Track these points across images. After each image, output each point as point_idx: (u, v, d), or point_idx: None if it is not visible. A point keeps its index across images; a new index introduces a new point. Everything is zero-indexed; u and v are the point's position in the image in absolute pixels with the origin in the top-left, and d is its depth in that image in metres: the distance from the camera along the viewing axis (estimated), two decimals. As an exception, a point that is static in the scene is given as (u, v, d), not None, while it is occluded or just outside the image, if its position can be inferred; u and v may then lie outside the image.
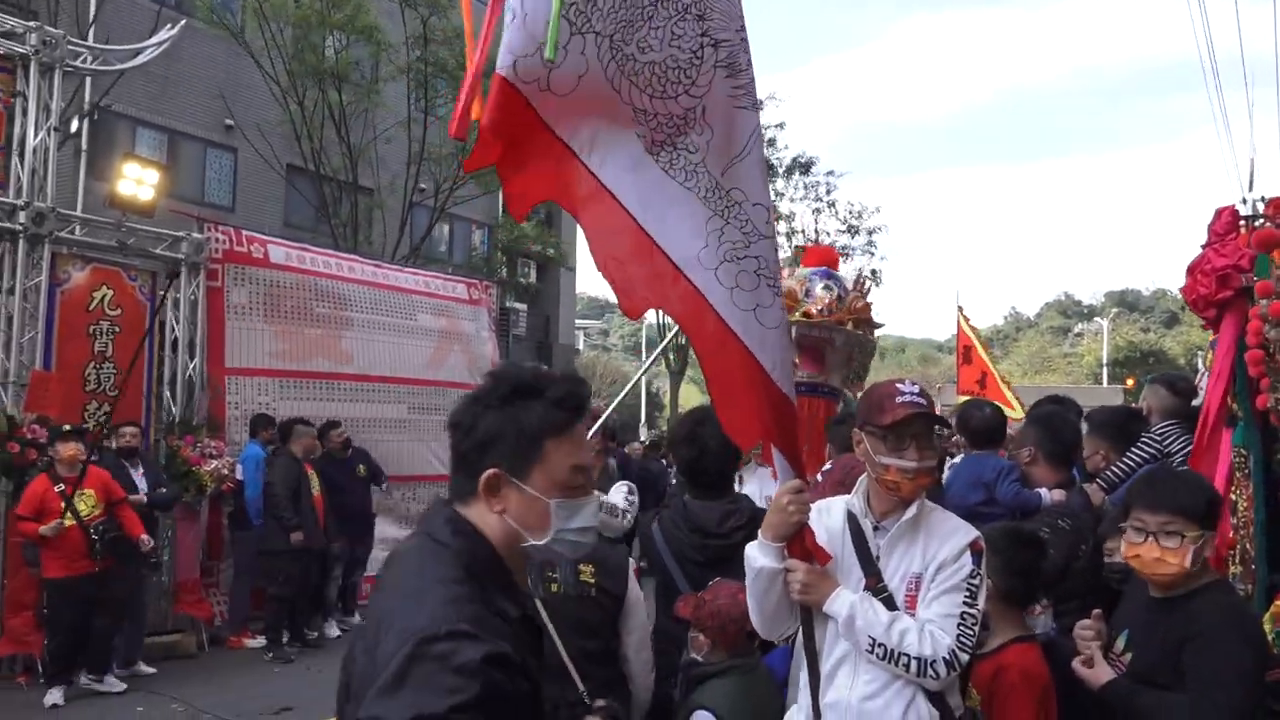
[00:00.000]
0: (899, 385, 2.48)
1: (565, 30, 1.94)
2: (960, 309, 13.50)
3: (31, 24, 8.30)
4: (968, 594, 2.36)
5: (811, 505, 2.42)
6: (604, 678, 2.67)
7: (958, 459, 5.47)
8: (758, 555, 2.43)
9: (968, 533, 2.44)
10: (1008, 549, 2.83)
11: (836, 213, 24.63)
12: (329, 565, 9.04)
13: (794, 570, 2.40)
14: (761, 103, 2.16)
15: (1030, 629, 2.97)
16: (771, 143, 22.96)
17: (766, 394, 2.30)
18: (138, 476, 7.80)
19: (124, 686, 7.19)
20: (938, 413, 2.59)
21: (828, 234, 24.25)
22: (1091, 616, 2.69)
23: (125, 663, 7.53)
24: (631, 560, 2.86)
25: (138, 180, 8.61)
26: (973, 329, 13.54)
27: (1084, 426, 4.77)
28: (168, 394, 9.11)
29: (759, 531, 2.43)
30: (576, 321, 33.27)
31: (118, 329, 8.64)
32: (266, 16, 14.96)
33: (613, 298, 3.41)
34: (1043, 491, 4.12)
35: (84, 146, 16.84)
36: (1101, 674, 2.55)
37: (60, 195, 8.54)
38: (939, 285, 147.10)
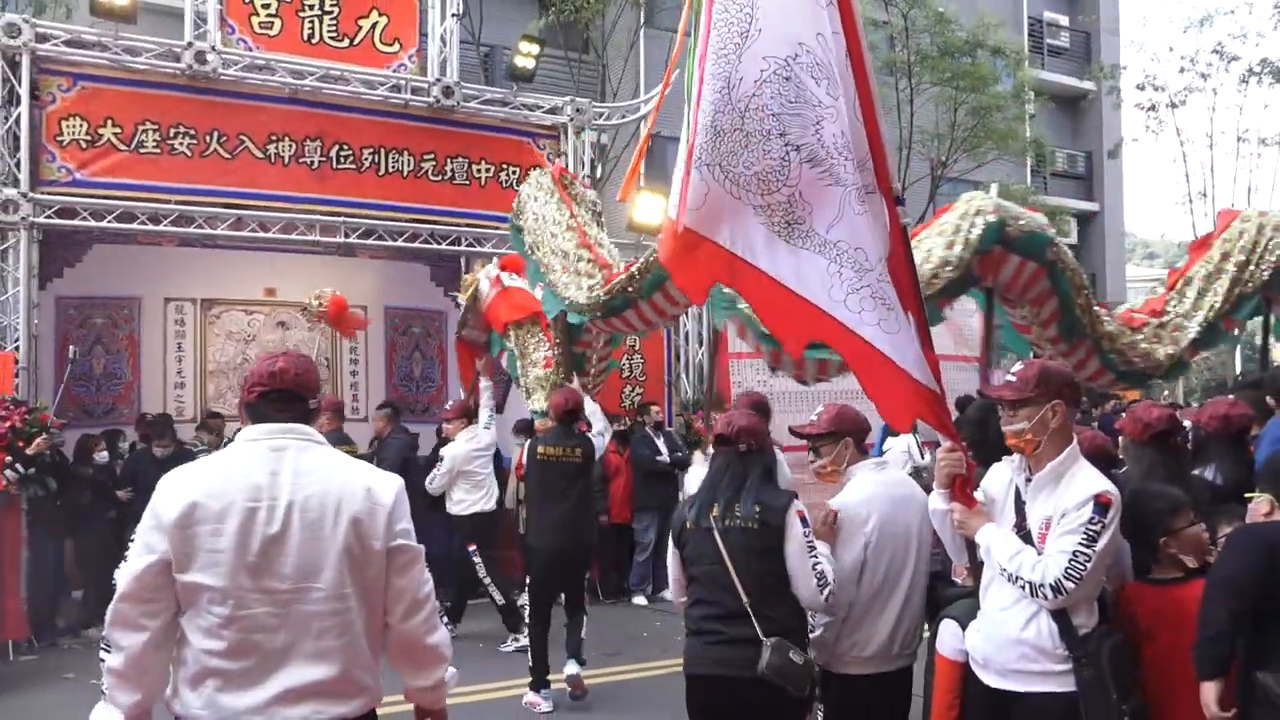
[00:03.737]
0: (1010, 369, 3.09)
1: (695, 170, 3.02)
2: None
3: (565, 98, 10.80)
4: (1084, 537, 2.88)
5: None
6: (767, 593, 3.41)
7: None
8: (933, 498, 3.24)
9: (1097, 486, 2.94)
10: None
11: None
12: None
13: (953, 510, 3.16)
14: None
15: None
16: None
17: (908, 384, 3.06)
18: (661, 444, 9.87)
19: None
20: None
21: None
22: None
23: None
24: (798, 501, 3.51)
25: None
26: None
27: None
28: (683, 377, 11.18)
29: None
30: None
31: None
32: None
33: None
34: None
35: (642, 170, 20.19)
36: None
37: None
38: None
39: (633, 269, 6.07)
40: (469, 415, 7.99)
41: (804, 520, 3.40)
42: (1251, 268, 6.10)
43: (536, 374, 7.53)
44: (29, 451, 7.35)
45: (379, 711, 2.50)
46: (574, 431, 6.43)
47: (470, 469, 7.82)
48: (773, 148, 3.01)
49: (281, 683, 2.29)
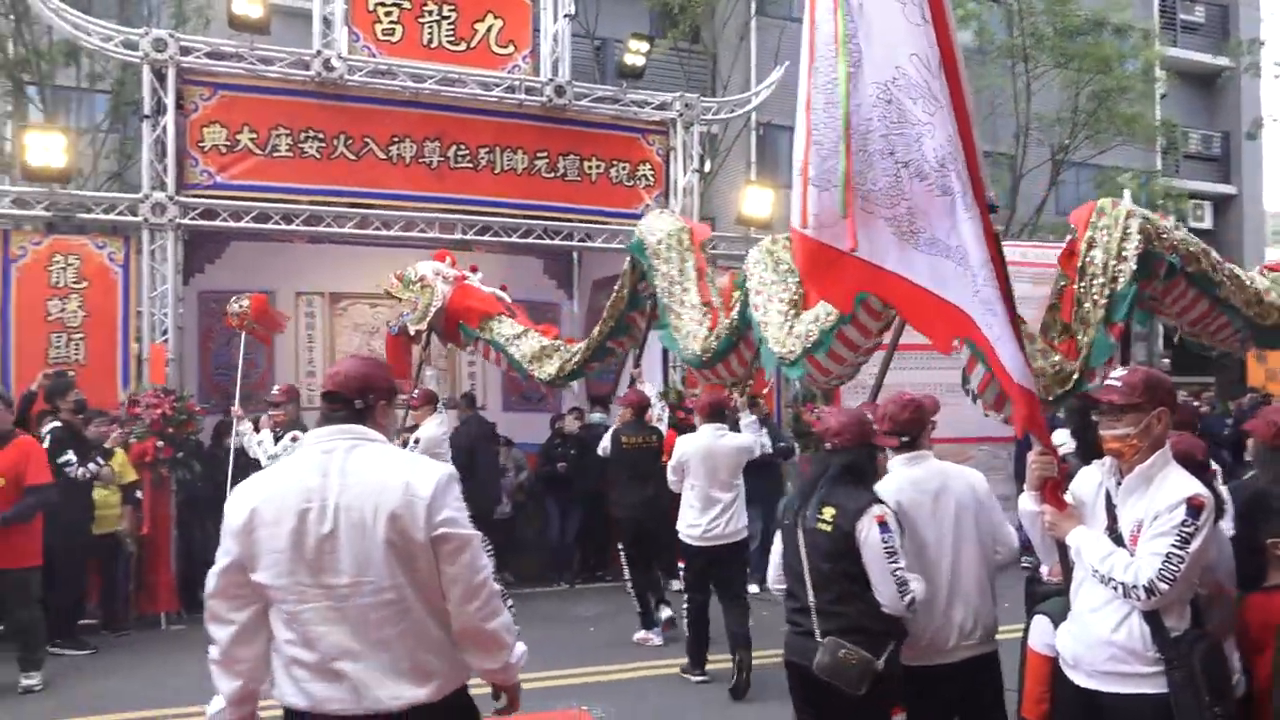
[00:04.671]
0: (1112, 375, 3.12)
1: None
2: None
3: (675, 94, 10.95)
4: (1177, 538, 2.90)
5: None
6: (837, 591, 3.53)
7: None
8: (1023, 500, 3.32)
9: (1189, 489, 2.96)
10: None
11: None
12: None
13: (1044, 512, 3.21)
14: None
15: None
16: None
17: (1015, 388, 3.13)
18: (764, 436, 9.98)
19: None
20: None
21: None
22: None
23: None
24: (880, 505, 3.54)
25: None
26: None
27: None
28: (791, 369, 11.21)
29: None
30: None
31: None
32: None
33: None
34: None
35: (753, 159, 20.25)
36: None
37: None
38: None
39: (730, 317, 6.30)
40: (434, 401, 8.39)
41: (884, 526, 3.43)
42: None
43: (534, 345, 8.23)
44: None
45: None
46: (645, 423, 7.78)
47: (440, 451, 8.04)
48: (886, 165, 3.20)
49: (357, 670, 2.47)
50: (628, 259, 7.72)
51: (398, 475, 2.55)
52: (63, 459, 7.20)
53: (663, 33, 16.32)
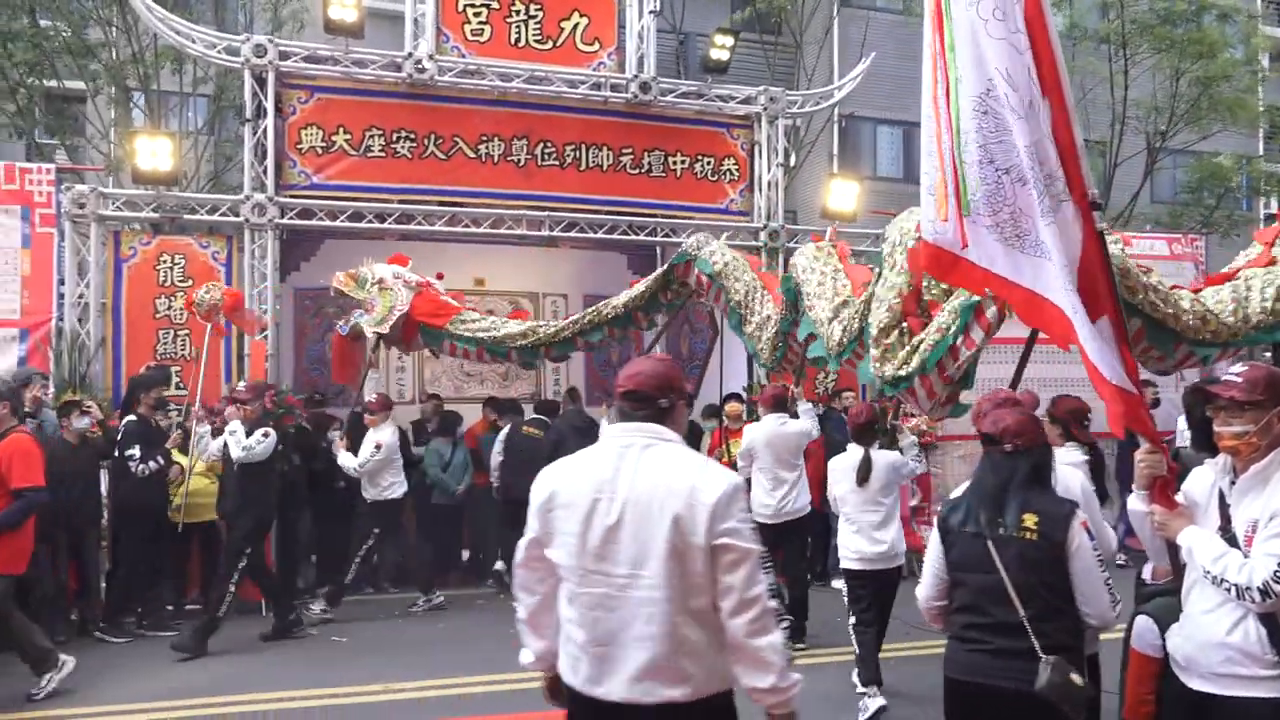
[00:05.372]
0: (1232, 370, 3.04)
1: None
2: None
3: (759, 88, 10.91)
4: None
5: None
6: (1042, 606, 3.25)
7: None
8: (1133, 499, 3.25)
9: None
10: None
11: None
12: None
13: (1153, 512, 3.15)
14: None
15: None
16: None
17: (1108, 388, 3.08)
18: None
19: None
20: None
21: None
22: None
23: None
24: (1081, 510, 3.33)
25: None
26: None
27: None
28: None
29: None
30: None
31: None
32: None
33: None
34: None
35: (834, 151, 20.02)
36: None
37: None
38: None
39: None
40: (390, 406, 8.54)
41: (1089, 533, 3.25)
42: None
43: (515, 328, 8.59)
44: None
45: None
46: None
47: (395, 456, 8.36)
48: (987, 174, 3.27)
49: (620, 659, 2.59)
50: (667, 266, 8.34)
51: (686, 479, 2.61)
52: (129, 452, 7.49)
53: (750, 25, 16.25)
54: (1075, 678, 3.11)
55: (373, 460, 8.17)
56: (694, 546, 2.55)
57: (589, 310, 8.61)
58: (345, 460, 8.26)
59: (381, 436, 8.23)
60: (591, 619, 2.63)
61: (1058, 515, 3.25)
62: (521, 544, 2.82)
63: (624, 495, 2.61)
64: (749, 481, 7.37)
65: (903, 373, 5.12)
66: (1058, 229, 3.09)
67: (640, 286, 8.48)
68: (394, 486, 8.40)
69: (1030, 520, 3.25)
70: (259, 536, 7.50)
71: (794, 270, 7.00)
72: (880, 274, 5.47)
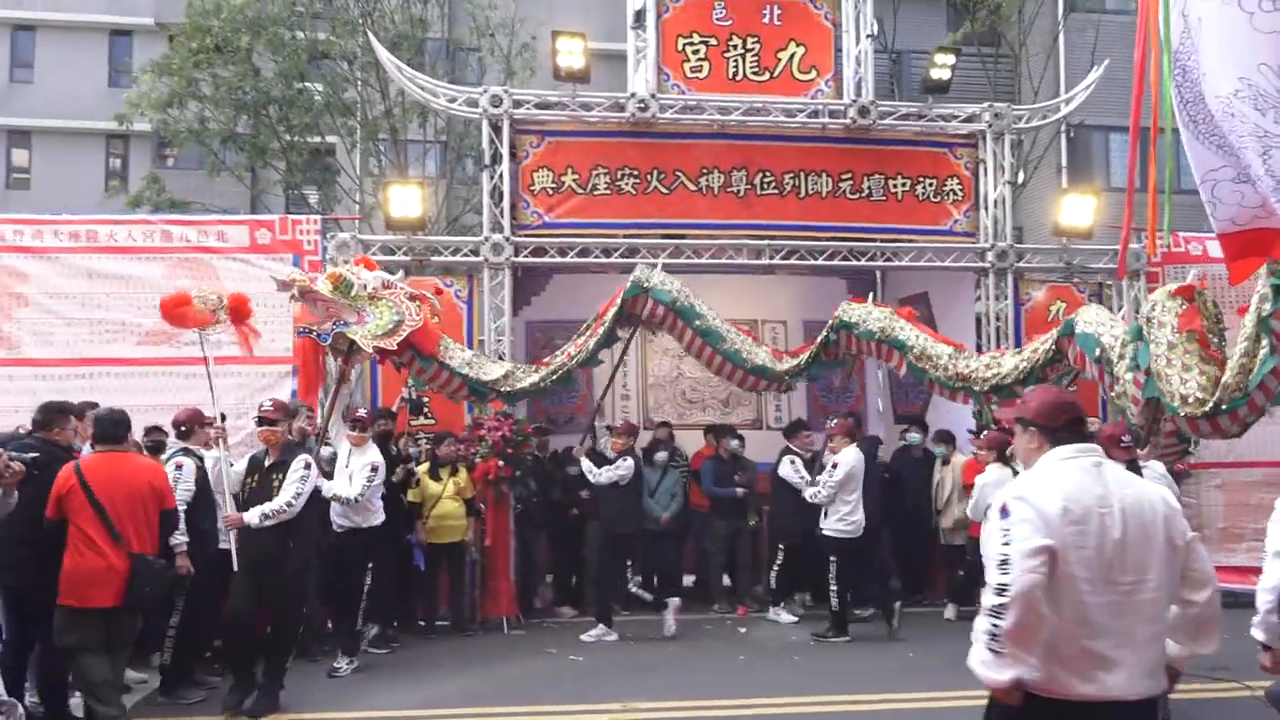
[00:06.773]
0: None
1: None
2: None
3: (982, 105, 10.60)
4: None
5: None
6: None
7: None
8: None
9: None
10: None
11: None
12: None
13: None
14: None
15: None
16: None
17: None
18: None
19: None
20: None
21: None
22: None
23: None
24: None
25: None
26: None
27: None
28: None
29: None
30: None
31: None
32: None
33: None
34: None
35: (1064, 163, 19.09)
36: None
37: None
38: None
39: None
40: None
41: None
42: None
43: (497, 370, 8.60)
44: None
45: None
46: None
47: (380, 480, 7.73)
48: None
49: (1130, 661, 2.82)
50: (620, 301, 8.89)
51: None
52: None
53: (969, 40, 15.82)
54: None
55: (371, 486, 7.57)
56: (1177, 547, 2.92)
57: (558, 364, 8.80)
58: (338, 489, 7.48)
59: (374, 458, 7.65)
60: (1106, 627, 2.81)
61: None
62: (1024, 553, 2.79)
63: (1119, 506, 2.87)
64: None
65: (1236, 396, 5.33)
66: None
67: (602, 329, 8.76)
68: (379, 512, 7.80)
69: None
70: None
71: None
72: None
